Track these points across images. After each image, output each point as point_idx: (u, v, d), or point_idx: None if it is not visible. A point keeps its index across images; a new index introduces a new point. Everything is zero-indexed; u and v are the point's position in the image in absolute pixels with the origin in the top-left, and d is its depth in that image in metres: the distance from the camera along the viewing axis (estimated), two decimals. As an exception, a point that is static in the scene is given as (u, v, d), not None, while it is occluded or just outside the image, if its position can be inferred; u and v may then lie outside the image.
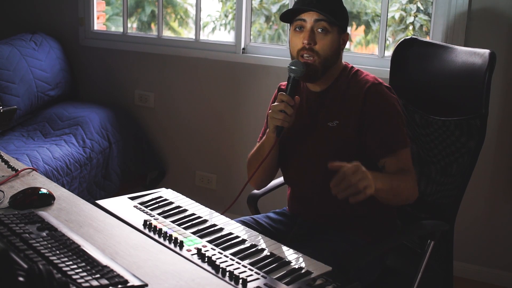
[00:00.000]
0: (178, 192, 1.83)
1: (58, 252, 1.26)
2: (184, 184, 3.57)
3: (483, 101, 1.82)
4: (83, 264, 1.21)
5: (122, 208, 1.68)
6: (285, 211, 2.03)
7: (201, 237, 1.52)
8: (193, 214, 1.66)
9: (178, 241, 1.46)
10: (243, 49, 3.31)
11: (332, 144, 1.82)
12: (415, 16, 4.27)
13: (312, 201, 1.90)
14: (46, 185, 1.70)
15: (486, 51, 1.85)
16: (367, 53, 4.18)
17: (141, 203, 1.73)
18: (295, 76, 1.79)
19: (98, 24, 3.84)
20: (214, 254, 1.41)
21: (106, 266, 1.21)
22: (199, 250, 1.42)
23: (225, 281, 1.29)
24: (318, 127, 1.85)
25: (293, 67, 1.78)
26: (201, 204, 1.74)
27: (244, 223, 1.89)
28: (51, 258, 1.22)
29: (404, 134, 1.79)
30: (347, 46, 1.91)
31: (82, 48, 3.81)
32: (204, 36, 5.04)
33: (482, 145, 1.83)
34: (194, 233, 1.54)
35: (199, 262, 1.37)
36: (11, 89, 3.31)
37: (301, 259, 1.43)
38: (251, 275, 1.32)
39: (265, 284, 1.28)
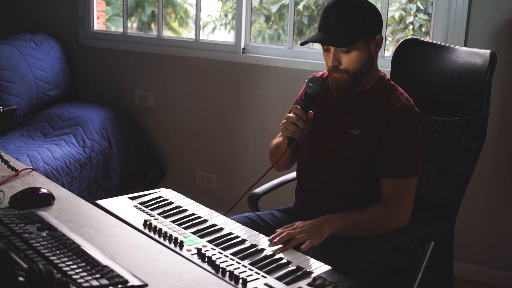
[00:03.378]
0: (178, 192, 1.83)
1: (58, 252, 1.26)
2: (184, 184, 3.57)
3: (484, 101, 1.82)
4: (83, 264, 1.21)
5: (122, 208, 1.68)
6: (288, 209, 2.04)
7: (201, 237, 1.52)
8: (193, 214, 1.66)
9: (178, 241, 1.46)
10: (243, 49, 3.30)
11: (348, 150, 1.84)
12: (415, 15, 4.27)
13: (317, 197, 1.93)
14: (46, 185, 1.70)
15: (487, 51, 1.85)
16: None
17: (141, 203, 1.73)
18: (311, 93, 1.81)
19: (98, 24, 3.84)
20: (214, 254, 1.41)
21: (106, 266, 1.21)
22: (199, 250, 1.42)
23: (225, 281, 1.29)
24: (339, 130, 1.87)
25: (310, 84, 1.82)
26: (201, 204, 1.74)
27: (249, 219, 1.91)
28: (51, 258, 1.22)
29: (414, 164, 1.78)
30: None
31: (82, 48, 3.80)
32: (204, 36, 5.03)
33: (483, 145, 1.83)
34: (194, 233, 1.54)
35: (199, 262, 1.37)
36: (11, 89, 3.31)
37: (301, 259, 1.43)
38: (251, 275, 1.32)
39: (265, 284, 1.28)
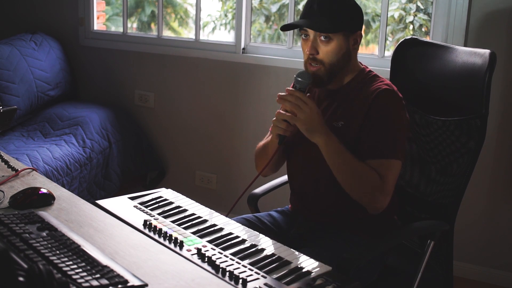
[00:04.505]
0: (178, 192, 1.83)
1: (58, 252, 1.26)
2: (184, 184, 3.57)
3: (483, 101, 1.82)
4: (83, 264, 1.21)
5: (122, 208, 1.68)
6: (286, 210, 2.03)
7: (201, 237, 1.52)
8: (193, 214, 1.66)
9: (178, 241, 1.46)
10: (243, 49, 3.31)
11: None
12: (415, 15, 4.27)
13: (309, 197, 1.92)
14: (46, 185, 1.70)
15: (486, 51, 1.85)
16: (367, 53, 4.18)
17: (141, 203, 1.72)
18: (300, 88, 1.80)
19: (98, 24, 3.84)
20: (214, 254, 1.41)
21: (106, 266, 1.21)
22: (199, 250, 1.42)
23: (225, 281, 1.29)
24: None
25: (299, 79, 1.80)
26: (201, 204, 1.74)
27: (246, 221, 1.91)
28: (51, 258, 1.22)
29: (396, 147, 1.76)
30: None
31: (82, 48, 3.81)
32: (204, 36, 5.04)
33: (482, 145, 1.83)
34: (194, 233, 1.54)
35: (199, 262, 1.37)
36: (11, 89, 3.31)
37: (301, 259, 1.43)
38: (251, 275, 1.32)
39: (265, 284, 1.28)
